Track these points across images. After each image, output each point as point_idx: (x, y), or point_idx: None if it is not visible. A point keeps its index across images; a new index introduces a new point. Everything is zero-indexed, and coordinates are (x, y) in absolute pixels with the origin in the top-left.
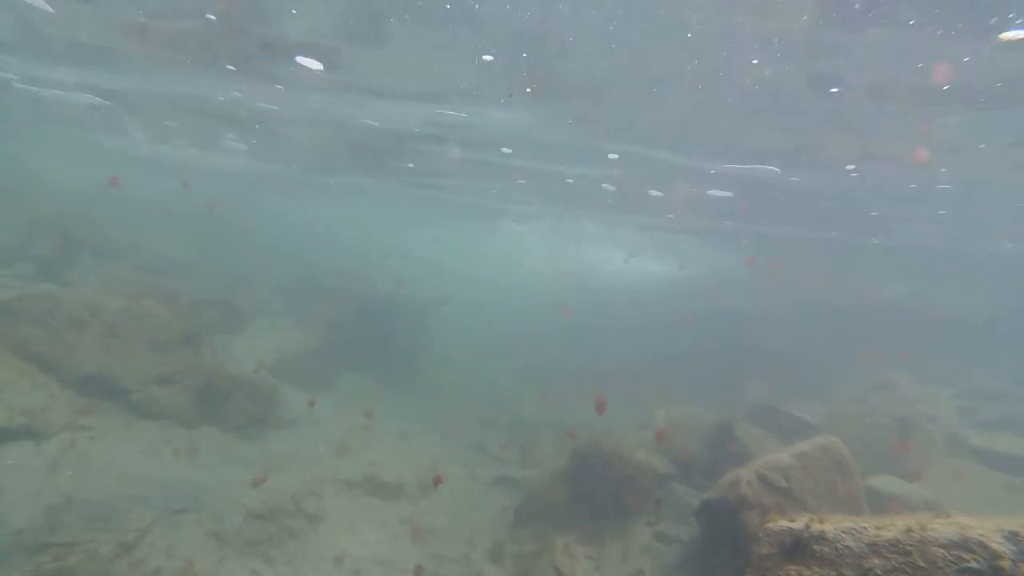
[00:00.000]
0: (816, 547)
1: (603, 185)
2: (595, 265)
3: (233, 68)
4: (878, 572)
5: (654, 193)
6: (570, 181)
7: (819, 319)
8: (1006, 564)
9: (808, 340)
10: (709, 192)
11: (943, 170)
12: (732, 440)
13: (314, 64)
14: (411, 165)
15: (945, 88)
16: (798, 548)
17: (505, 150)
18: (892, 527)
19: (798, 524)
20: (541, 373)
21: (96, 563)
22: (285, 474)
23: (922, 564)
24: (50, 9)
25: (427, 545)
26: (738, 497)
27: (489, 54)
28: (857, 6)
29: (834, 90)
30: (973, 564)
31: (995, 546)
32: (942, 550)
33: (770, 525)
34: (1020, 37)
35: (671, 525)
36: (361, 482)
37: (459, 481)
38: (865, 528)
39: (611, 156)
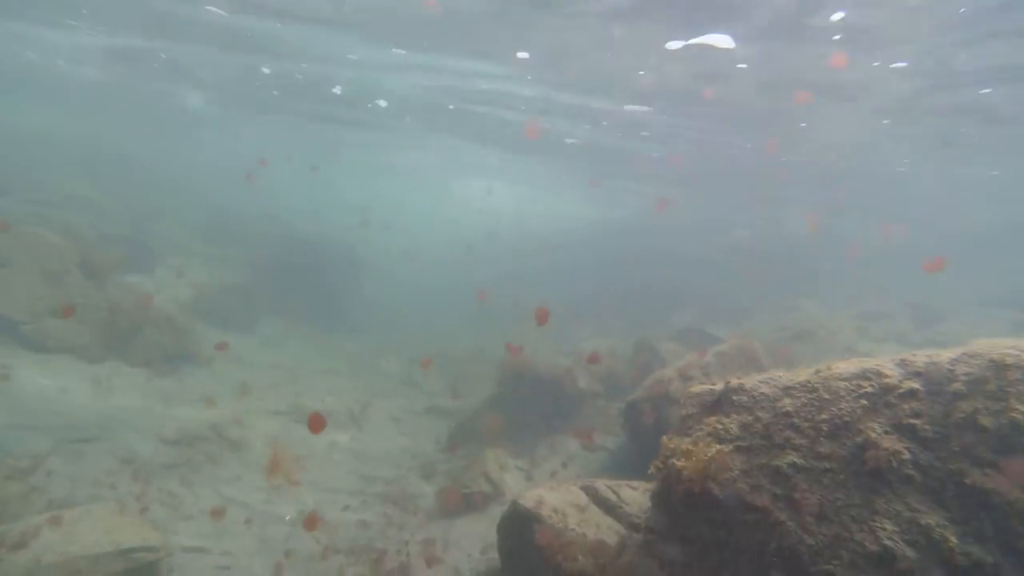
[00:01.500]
0: (735, 397)
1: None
2: (524, 207)
3: None
4: (789, 410)
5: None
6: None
7: (740, 255)
8: (893, 381)
9: (731, 274)
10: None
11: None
12: (654, 356)
13: None
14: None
15: None
16: (718, 403)
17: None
18: (803, 373)
19: (719, 385)
20: (471, 316)
21: None
22: (203, 405)
23: (827, 396)
24: None
25: (358, 466)
26: (662, 394)
27: None
28: None
29: None
30: (868, 389)
31: (887, 371)
32: (844, 382)
33: (692, 389)
34: None
35: (598, 436)
36: (287, 411)
37: (390, 413)
38: (779, 377)
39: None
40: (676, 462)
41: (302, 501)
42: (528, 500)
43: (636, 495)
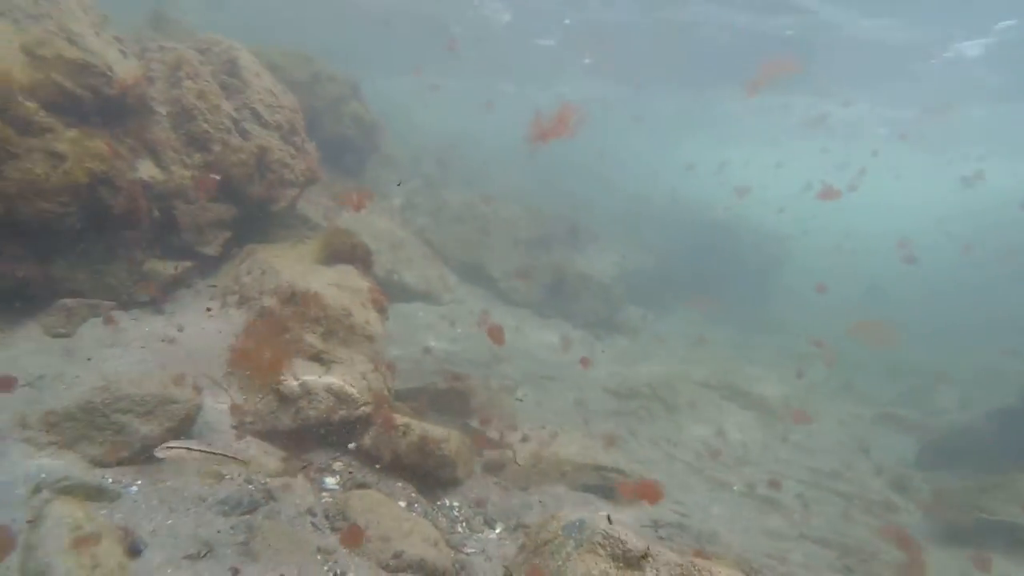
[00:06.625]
0: None
1: None
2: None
3: None
4: None
5: None
6: None
7: None
8: None
9: None
10: None
11: None
12: None
13: None
14: None
15: None
16: None
17: None
18: None
19: None
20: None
21: (488, 392)
22: (635, 368)
23: None
24: None
25: (804, 458)
26: None
27: None
28: None
29: None
30: None
31: None
32: None
33: None
34: None
35: None
36: (717, 386)
37: (832, 413)
38: None
39: None
40: None
41: (745, 475)
42: None
43: None
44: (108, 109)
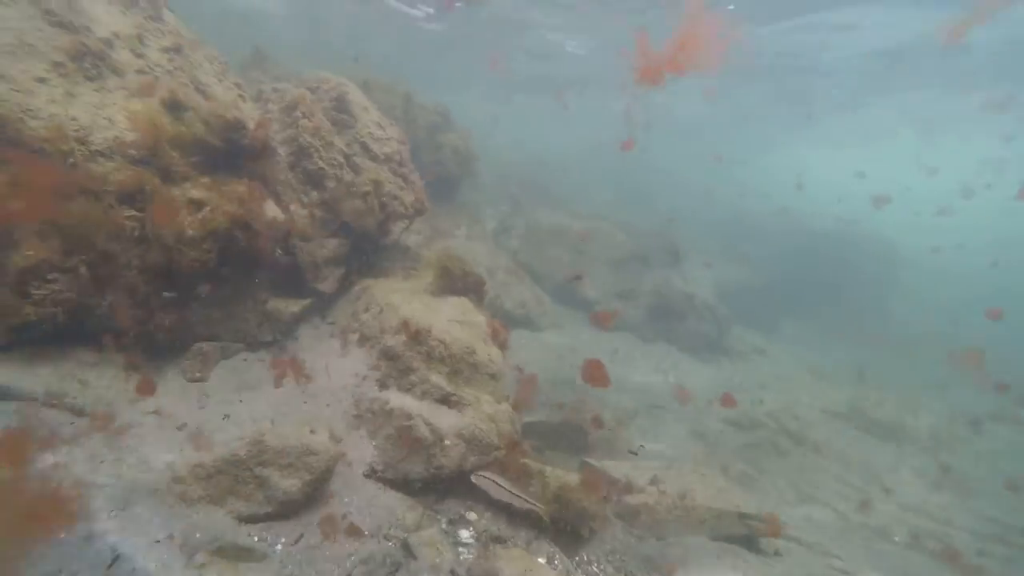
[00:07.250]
0: None
1: None
2: None
3: None
4: None
5: None
6: None
7: None
8: None
9: None
10: None
11: None
12: None
13: None
14: None
15: None
16: None
17: None
18: None
19: None
20: None
21: (602, 426)
22: (754, 396)
23: None
24: None
25: (981, 504)
26: None
27: None
28: None
29: None
30: None
31: None
32: None
33: None
34: None
35: None
36: (848, 416)
37: (992, 448)
38: None
39: None
40: None
41: (905, 522)
42: None
43: None
44: (236, 154)
